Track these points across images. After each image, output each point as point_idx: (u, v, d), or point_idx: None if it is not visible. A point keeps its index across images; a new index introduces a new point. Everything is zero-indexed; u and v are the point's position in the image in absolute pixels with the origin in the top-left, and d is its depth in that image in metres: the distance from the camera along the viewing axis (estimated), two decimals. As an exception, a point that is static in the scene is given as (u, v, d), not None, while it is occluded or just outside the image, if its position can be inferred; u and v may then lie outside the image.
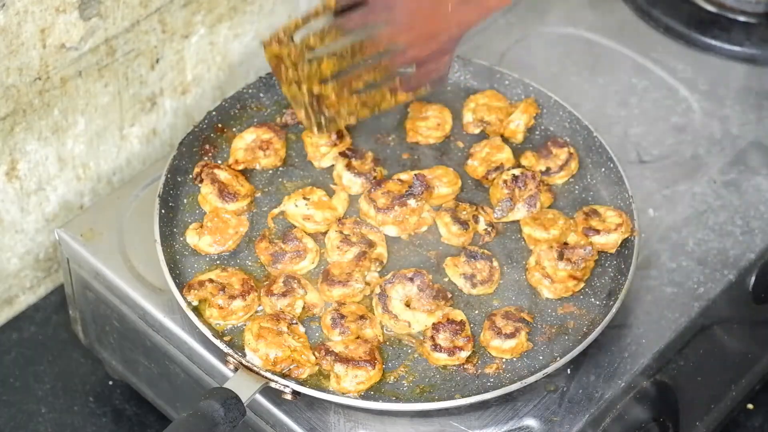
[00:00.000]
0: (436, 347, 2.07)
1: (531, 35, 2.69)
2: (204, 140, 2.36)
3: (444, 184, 2.29)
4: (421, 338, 2.11)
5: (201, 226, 2.22)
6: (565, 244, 2.21)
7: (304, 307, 2.13)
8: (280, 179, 2.33)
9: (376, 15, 2.12)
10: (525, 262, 2.22)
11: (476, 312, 2.15)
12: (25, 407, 2.45)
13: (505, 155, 2.34)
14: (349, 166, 2.29)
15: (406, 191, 2.24)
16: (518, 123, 2.38)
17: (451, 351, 2.07)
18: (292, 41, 2.13)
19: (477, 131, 2.40)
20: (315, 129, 2.20)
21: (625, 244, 2.21)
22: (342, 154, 2.30)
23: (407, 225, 2.24)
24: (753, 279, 2.32)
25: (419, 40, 2.14)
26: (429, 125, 2.39)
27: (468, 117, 2.41)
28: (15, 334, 2.56)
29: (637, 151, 2.47)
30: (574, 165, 2.34)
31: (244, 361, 2.03)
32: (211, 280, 2.12)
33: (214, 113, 2.39)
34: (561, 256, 2.17)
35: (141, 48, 2.51)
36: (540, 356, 2.09)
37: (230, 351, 2.04)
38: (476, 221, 2.25)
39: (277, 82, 2.28)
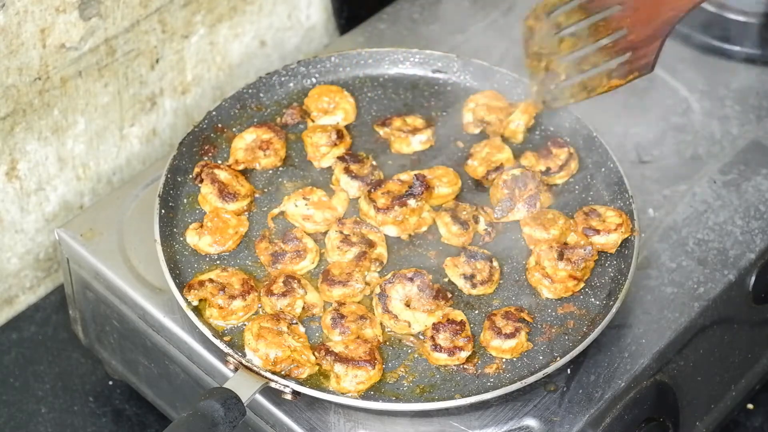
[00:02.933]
0: (436, 347, 2.07)
1: (531, 35, 2.69)
2: (204, 140, 2.36)
3: (444, 184, 2.29)
4: (421, 338, 2.11)
5: (201, 226, 2.22)
6: (565, 244, 2.21)
7: (304, 307, 2.13)
8: (280, 179, 2.33)
9: None
10: (525, 262, 2.22)
11: (476, 312, 2.15)
12: (25, 407, 2.45)
13: (505, 155, 2.34)
14: (347, 170, 2.29)
15: (406, 191, 2.24)
16: (518, 123, 2.38)
17: (451, 351, 2.07)
18: (546, 17, 2.30)
19: (477, 131, 2.40)
20: (541, 104, 2.37)
21: (625, 244, 2.21)
22: (340, 158, 2.31)
23: (407, 225, 2.24)
24: (753, 279, 2.32)
25: (639, 23, 2.21)
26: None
27: (468, 117, 2.41)
28: (15, 334, 2.56)
29: (637, 151, 2.47)
30: (574, 165, 2.34)
31: (244, 361, 2.03)
32: (211, 280, 2.12)
33: (214, 113, 2.39)
34: (561, 256, 2.17)
35: (141, 48, 2.51)
36: (540, 356, 2.09)
37: (230, 351, 2.04)
38: (476, 221, 2.25)
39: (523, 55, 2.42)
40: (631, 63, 2.24)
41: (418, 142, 2.36)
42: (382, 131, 2.38)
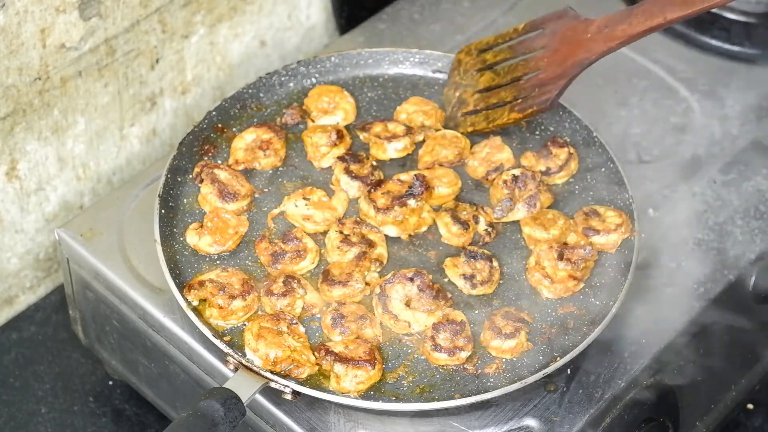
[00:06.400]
0: (436, 347, 2.07)
1: (531, 35, 2.69)
2: (204, 140, 2.36)
3: (444, 184, 2.29)
4: (421, 338, 2.11)
5: (201, 226, 2.22)
6: (565, 244, 2.21)
7: (304, 307, 2.13)
8: (280, 179, 2.33)
9: (544, 39, 2.27)
10: (525, 262, 2.22)
11: (476, 312, 2.15)
12: (25, 407, 2.45)
13: (505, 155, 2.34)
14: (347, 170, 2.29)
15: (406, 191, 2.24)
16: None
17: (451, 351, 2.07)
18: (477, 54, 2.36)
19: (420, 138, 2.38)
20: (442, 127, 2.39)
21: (625, 244, 2.21)
22: (340, 158, 2.30)
23: (407, 225, 2.24)
24: (753, 279, 2.32)
25: (554, 63, 2.25)
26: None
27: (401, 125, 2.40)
28: (15, 334, 2.56)
29: (637, 151, 2.47)
30: (574, 165, 2.34)
31: (244, 361, 2.03)
32: (211, 280, 2.12)
33: (214, 113, 2.39)
34: (561, 256, 2.17)
35: (141, 48, 2.51)
36: (540, 356, 2.09)
37: (230, 351, 2.04)
38: (476, 221, 2.25)
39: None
40: (533, 98, 2.27)
41: (394, 150, 2.35)
42: (361, 135, 2.37)
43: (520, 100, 2.28)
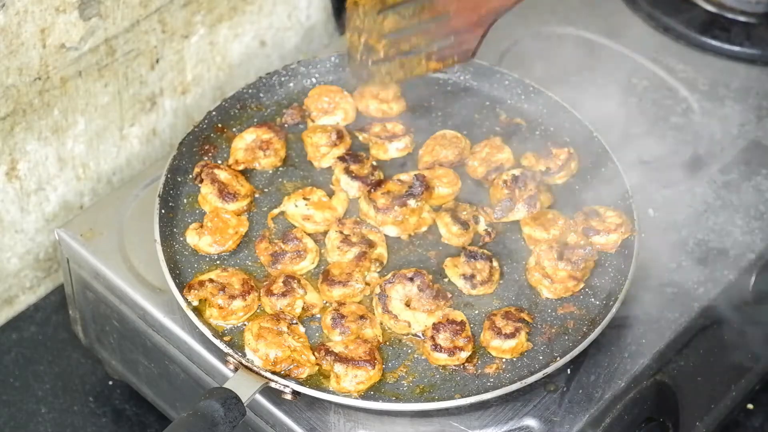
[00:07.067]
0: (436, 347, 2.07)
1: (531, 35, 2.69)
2: (204, 140, 2.36)
3: (444, 184, 2.29)
4: (421, 338, 2.11)
5: (201, 226, 2.22)
6: (565, 244, 2.21)
7: (304, 307, 2.13)
8: (280, 179, 2.33)
9: None
10: (525, 262, 2.22)
11: (476, 312, 2.15)
12: (25, 407, 2.45)
13: (505, 155, 2.34)
14: (347, 170, 2.29)
15: (406, 191, 2.24)
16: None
17: (452, 351, 2.07)
18: None
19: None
20: (356, 80, 2.37)
21: (625, 244, 2.21)
22: (340, 158, 2.30)
23: (407, 225, 2.24)
24: (753, 279, 2.32)
25: (465, 9, 2.19)
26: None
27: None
28: (15, 334, 2.56)
29: (637, 151, 2.47)
30: (574, 165, 2.34)
31: (244, 361, 2.03)
32: (211, 280, 2.12)
33: (214, 113, 2.39)
34: (561, 256, 2.17)
35: (141, 48, 2.51)
36: (540, 356, 2.09)
37: (230, 351, 2.04)
38: (476, 221, 2.25)
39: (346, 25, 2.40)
40: (452, 48, 2.23)
41: (395, 149, 2.36)
42: (361, 136, 2.37)
43: (436, 49, 2.25)
